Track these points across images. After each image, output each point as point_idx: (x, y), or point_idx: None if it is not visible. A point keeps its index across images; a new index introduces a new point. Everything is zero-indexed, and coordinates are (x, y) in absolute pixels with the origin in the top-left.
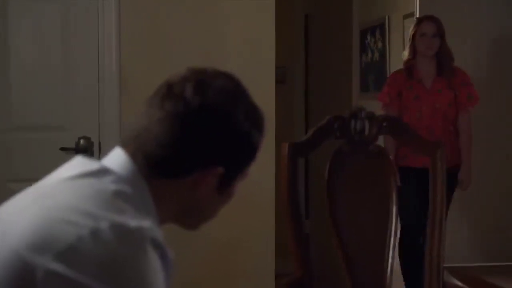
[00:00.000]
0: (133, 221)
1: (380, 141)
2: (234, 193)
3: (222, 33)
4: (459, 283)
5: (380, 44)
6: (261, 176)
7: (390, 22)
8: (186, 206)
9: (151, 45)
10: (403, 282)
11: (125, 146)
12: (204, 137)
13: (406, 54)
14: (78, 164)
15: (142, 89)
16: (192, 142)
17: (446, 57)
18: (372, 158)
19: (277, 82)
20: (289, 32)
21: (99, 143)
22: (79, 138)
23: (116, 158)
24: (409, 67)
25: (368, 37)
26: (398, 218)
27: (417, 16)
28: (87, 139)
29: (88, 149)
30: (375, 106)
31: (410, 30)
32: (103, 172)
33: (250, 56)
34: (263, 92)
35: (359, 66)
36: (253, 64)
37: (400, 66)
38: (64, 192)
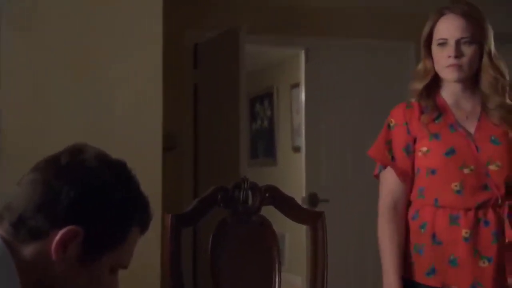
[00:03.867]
0: None
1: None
2: (103, 280)
3: (108, 100)
4: None
5: (268, 112)
6: (146, 249)
7: (278, 91)
8: (50, 283)
9: (34, 111)
10: None
11: None
12: (64, 191)
13: (420, 74)
14: None
15: (23, 153)
16: (52, 195)
17: (493, 80)
18: (255, 228)
19: (166, 149)
20: (178, 99)
21: None
22: None
23: None
24: (429, 94)
25: (257, 105)
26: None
27: (303, 85)
28: None
29: None
30: (264, 173)
31: (425, 29)
32: None
33: (137, 123)
34: (150, 160)
35: (249, 134)
36: (140, 131)
37: (288, 134)
38: None
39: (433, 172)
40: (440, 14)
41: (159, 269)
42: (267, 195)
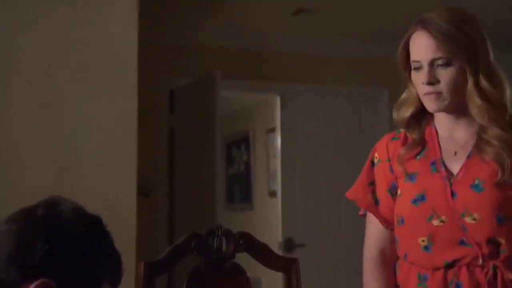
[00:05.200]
0: None
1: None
2: None
3: (80, 145)
4: None
5: (245, 157)
6: None
7: (254, 135)
8: None
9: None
10: None
11: None
12: (39, 243)
13: (405, 102)
14: None
15: None
16: (26, 246)
17: (479, 109)
18: (229, 275)
19: (140, 194)
20: (153, 144)
21: None
22: None
23: None
24: (417, 124)
25: (234, 150)
26: None
27: (279, 130)
28: None
29: None
30: (241, 217)
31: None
32: None
33: (111, 167)
34: (124, 205)
35: (225, 178)
36: (114, 175)
37: (264, 178)
38: None
39: (402, 221)
40: (413, 29)
41: None
42: (241, 242)
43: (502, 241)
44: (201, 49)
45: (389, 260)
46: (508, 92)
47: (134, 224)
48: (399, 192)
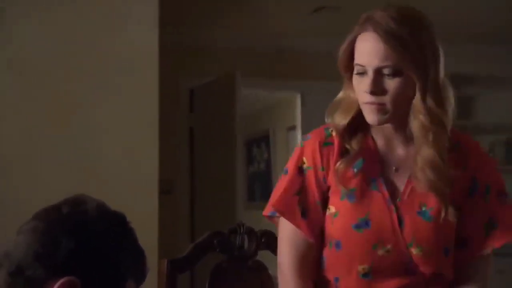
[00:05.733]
0: None
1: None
2: None
3: (104, 144)
4: None
5: (265, 155)
6: None
7: (274, 133)
8: None
9: (21, 160)
10: None
11: None
12: (64, 241)
13: (341, 106)
14: None
15: (19, 209)
16: (52, 244)
17: (421, 127)
18: (252, 273)
19: (162, 193)
20: (174, 142)
21: None
22: None
23: None
24: (355, 133)
25: (254, 148)
26: None
27: (300, 128)
28: None
29: None
30: (261, 216)
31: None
32: None
33: (133, 167)
34: (146, 204)
35: (245, 176)
36: (136, 175)
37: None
38: None
39: (337, 245)
40: (361, 27)
41: None
42: (263, 239)
43: (447, 271)
44: (221, 49)
45: (311, 266)
46: (451, 110)
47: (156, 222)
48: (332, 209)
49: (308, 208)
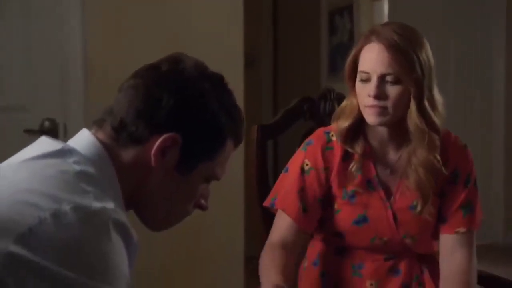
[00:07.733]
0: (96, 203)
1: None
2: (197, 188)
3: (189, 18)
4: None
5: (348, 26)
6: (230, 160)
7: (359, 3)
8: (147, 188)
9: (117, 27)
10: None
11: (95, 126)
12: (165, 98)
13: (344, 112)
14: (41, 144)
15: (107, 70)
16: (153, 101)
17: (418, 131)
18: None
19: (245, 65)
20: (257, 14)
21: (65, 125)
22: (44, 120)
23: (82, 139)
24: (355, 137)
25: (337, 19)
26: None
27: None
28: (52, 120)
29: (53, 131)
30: (344, 88)
31: (349, 58)
32: (67, 152)
33: (219, 39)
34: (231, 77)
35: (327, 48)
36: (221, 47)
37: None
38: (26, 173)
39: (339, 235)
40: (366, 40)
41: (243, 179)
42: None
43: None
44: None
45: (291, 248)
46: (442, 117)
47: (241, 94)
48: (335, 206)
49: (308, 205)
